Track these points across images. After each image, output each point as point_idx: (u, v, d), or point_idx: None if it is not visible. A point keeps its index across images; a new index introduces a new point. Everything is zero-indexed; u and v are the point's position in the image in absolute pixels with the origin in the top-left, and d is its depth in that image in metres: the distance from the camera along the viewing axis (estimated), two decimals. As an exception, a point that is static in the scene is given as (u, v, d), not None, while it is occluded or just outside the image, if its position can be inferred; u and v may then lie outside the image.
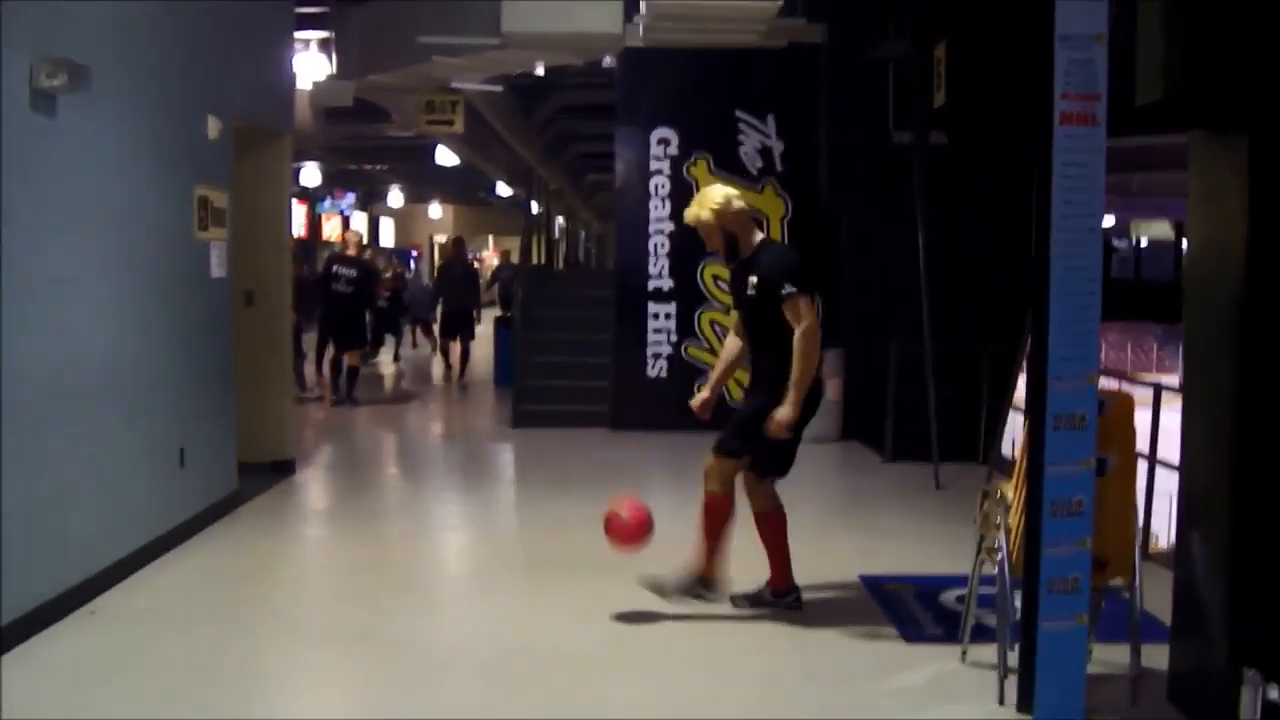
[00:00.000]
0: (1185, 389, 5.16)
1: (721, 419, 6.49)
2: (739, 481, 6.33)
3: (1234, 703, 4.67)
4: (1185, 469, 5.17)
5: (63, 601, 6.17)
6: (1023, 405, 9.54)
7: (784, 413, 6.02)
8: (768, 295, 6.11)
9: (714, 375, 6.67)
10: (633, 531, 6.28)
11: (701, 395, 6.51)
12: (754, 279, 6.18)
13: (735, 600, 6.42)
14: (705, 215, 6.22)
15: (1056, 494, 4.70)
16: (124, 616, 6.36)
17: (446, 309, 18.60)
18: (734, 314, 6.70)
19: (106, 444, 6.76)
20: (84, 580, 6.43)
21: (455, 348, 18.66)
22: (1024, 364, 10.18)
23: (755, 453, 6.25)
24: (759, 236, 6.38)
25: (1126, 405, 5.13)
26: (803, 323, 6.03)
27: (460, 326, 18.35)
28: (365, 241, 19.60)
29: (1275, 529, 4.68)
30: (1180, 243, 15.81)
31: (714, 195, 6.26)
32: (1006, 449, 10.32)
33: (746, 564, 6.50)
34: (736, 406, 6.63)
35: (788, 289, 6.05)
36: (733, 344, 6.67)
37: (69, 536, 6.31)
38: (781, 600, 6.39)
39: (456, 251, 19.26)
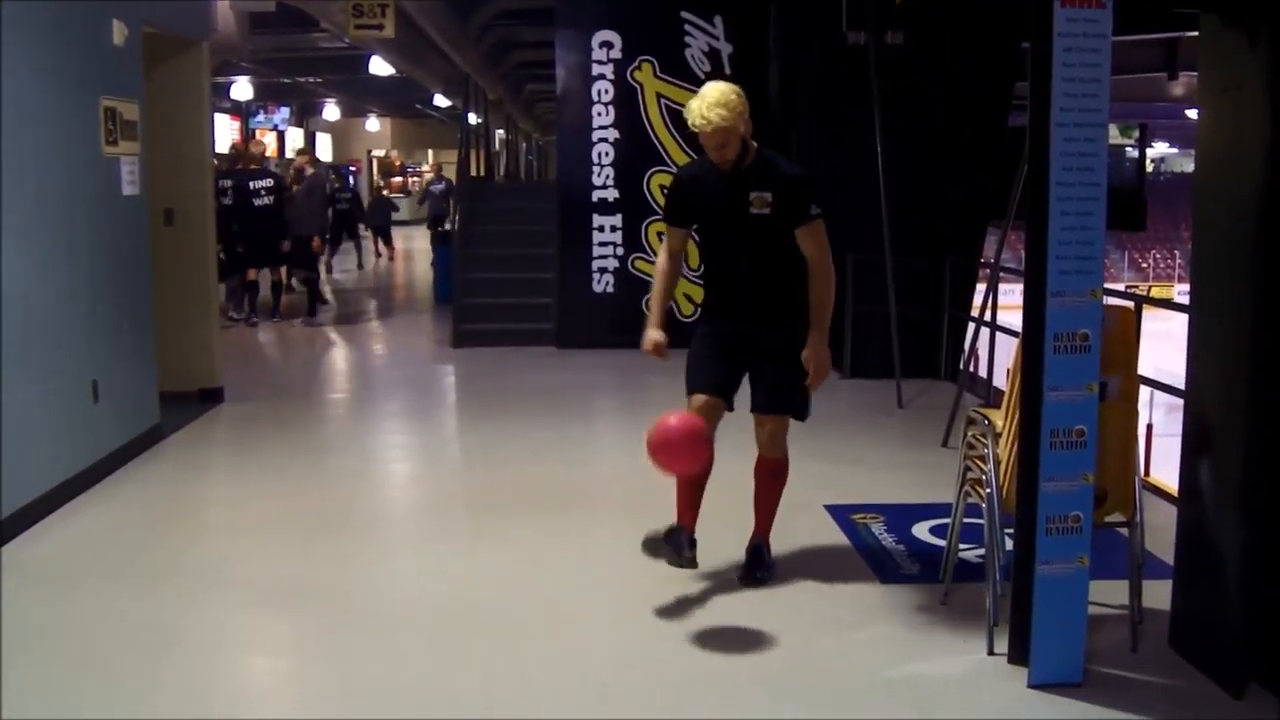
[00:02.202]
0: (1193, 303, 4.68)
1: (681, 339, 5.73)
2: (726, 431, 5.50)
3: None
4: (1192, 394, 4.69)
5: (-44, 556, 5.61)
6: (987, 319, 9.28)
7: (824, 352, 5.30)
8: (787, 214, 5.23)
9: (656, 308, 5.54)
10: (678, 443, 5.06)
11: (653, 335, 5.43)
12: (766, 195, 5.23)
13: (753, 577, 5.57)
14: (734, 120, 5.12)
15: (1056, 422, 4.23)
16: (26, 572, 5.77)
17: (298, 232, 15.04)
18: (674, 232, 5.64)
19: (3, 380, 6.12)
20: (-19, 531, 5.86)
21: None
22: (986, 275, 9.77)
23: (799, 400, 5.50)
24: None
25: (1127, 321, 4.65)
26: (823, 250, 5.27)
27: (297, 255, 15.20)
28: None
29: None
30: (1142, 147, 15.33)
31: (732, 96, 5.13)
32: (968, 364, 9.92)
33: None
34: (759, 360, 5.45)
35: (816, 210, 5.23)
36: (668, 267, 5.61)
37: (-38, 483, 5.72)
38: (770, 561, 5.66)
39: (300, 164, 16.16)
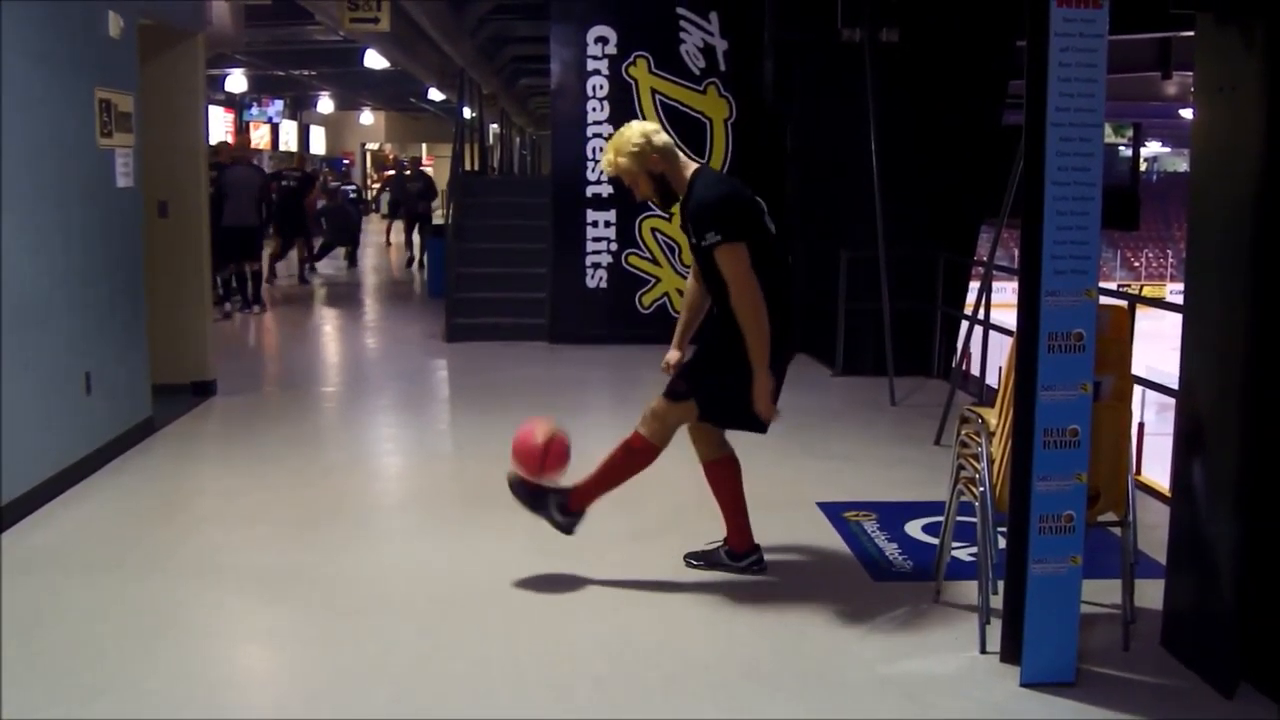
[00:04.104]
0: (1188, 302, 4.68)
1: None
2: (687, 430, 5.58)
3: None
4: (1185, 393, 4.69)
5: (-52, 547, 5.59)
6: (980, 317, 9.28)
7: (757, 389, 5.19)
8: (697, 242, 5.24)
9: (679, 329, 5.70)
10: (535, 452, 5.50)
11: (667, 355, 5.63)
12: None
13: (688, 559, 5.69)
14: (624, 161, 5.22)
15: (1050, 422, 4.23)
16: (18, 564, 5.74)
17: (227, 223, 14.30)
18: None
19: (-4, 372, 6.12)
20: (-27, 523, 5.84)
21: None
22: (979, 273, 9.78)
23: (701, 393, 5.42)
24: (690, 169, 5.33)
25: (1121, 320, 4.65)
26: (733, 279, 5.09)
27: (242, 247, 15.01)
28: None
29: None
30: (1135, 146, 15.37)
31: (631, 136, 5.23)
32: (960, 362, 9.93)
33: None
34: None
35: (709, 238, 5.08)
36: (692, 286, 5.70)
37: (-46, 475, 5.69)
38: (740, 562, 5.60)
39: (238, 153, 15.87)
